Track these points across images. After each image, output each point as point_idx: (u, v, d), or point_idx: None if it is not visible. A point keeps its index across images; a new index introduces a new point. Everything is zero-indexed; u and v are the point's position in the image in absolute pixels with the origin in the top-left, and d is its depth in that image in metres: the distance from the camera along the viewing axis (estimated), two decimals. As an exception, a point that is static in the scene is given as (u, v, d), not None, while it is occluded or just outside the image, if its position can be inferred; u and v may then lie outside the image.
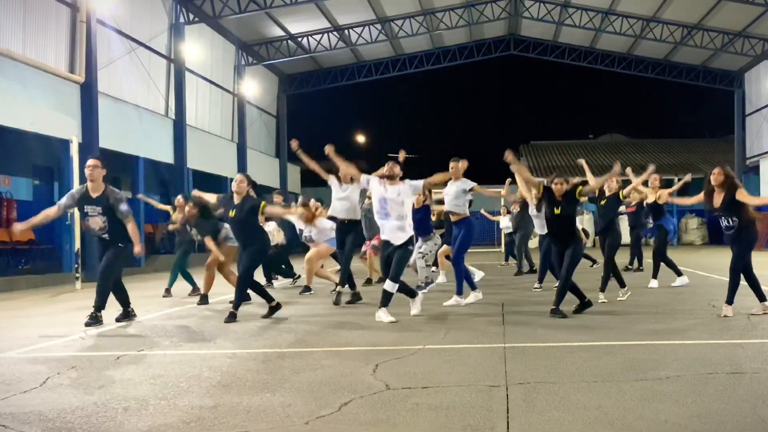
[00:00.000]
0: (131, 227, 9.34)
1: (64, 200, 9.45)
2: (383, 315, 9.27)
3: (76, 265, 16.44)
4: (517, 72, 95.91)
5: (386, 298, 9.39)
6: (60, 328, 9.40)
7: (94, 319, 9.37)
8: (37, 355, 7.45)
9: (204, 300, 11.84)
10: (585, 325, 8.69)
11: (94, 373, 6.41)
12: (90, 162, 9.32)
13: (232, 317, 9.58)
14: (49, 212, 9.44)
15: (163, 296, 13.00)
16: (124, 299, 9.91)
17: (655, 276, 13.12)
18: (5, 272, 18.09)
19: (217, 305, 11.39)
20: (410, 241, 9.57)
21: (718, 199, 8.91)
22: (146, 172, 24.03)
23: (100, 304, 9.45)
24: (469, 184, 10.91)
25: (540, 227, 13.45)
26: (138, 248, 9.39)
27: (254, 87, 34.11)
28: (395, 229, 9.44)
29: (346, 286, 11.74)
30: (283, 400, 5.26)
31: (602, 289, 11.01)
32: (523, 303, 11.06)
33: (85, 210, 9.25)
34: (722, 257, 11.60)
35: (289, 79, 39.13)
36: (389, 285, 9.40)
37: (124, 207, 9.30)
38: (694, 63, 37.57)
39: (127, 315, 9.85)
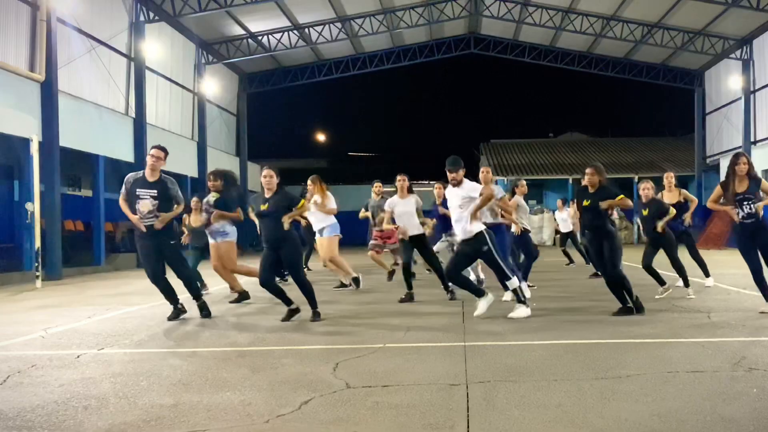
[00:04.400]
0: (177, 211, 9.64)
1: (122, 190, 9.49)
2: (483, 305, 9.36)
3: (37, 264, 16.41)
4: (478, 70, 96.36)
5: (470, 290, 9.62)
6: (20, 326, 9.32)
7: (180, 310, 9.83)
8: (-5, 356, 7.37)
9: (245, 296, 11.78)
10: (546, 323, 8.75)
11: (54, 372, 6.35)
12: (154, 152, 9.51)
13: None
14: (127, 208, 9.38)
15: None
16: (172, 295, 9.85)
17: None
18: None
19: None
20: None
21: (741, 186, 9.00)
22: (106, 170, 23.74)
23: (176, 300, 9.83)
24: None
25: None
26: (160, 224, 9.32)
27: (214, 85, 33.96)
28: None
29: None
30: (243, 398, 5.24)
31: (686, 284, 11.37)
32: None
33: (137, 193, 9.30)
34: (685, 257, 11.65)
35: (249, 77, 38.96)
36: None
37: (178, 192, 9.64)
38: (655, 62, 37.98)
39: (178, 313, 9.75)
